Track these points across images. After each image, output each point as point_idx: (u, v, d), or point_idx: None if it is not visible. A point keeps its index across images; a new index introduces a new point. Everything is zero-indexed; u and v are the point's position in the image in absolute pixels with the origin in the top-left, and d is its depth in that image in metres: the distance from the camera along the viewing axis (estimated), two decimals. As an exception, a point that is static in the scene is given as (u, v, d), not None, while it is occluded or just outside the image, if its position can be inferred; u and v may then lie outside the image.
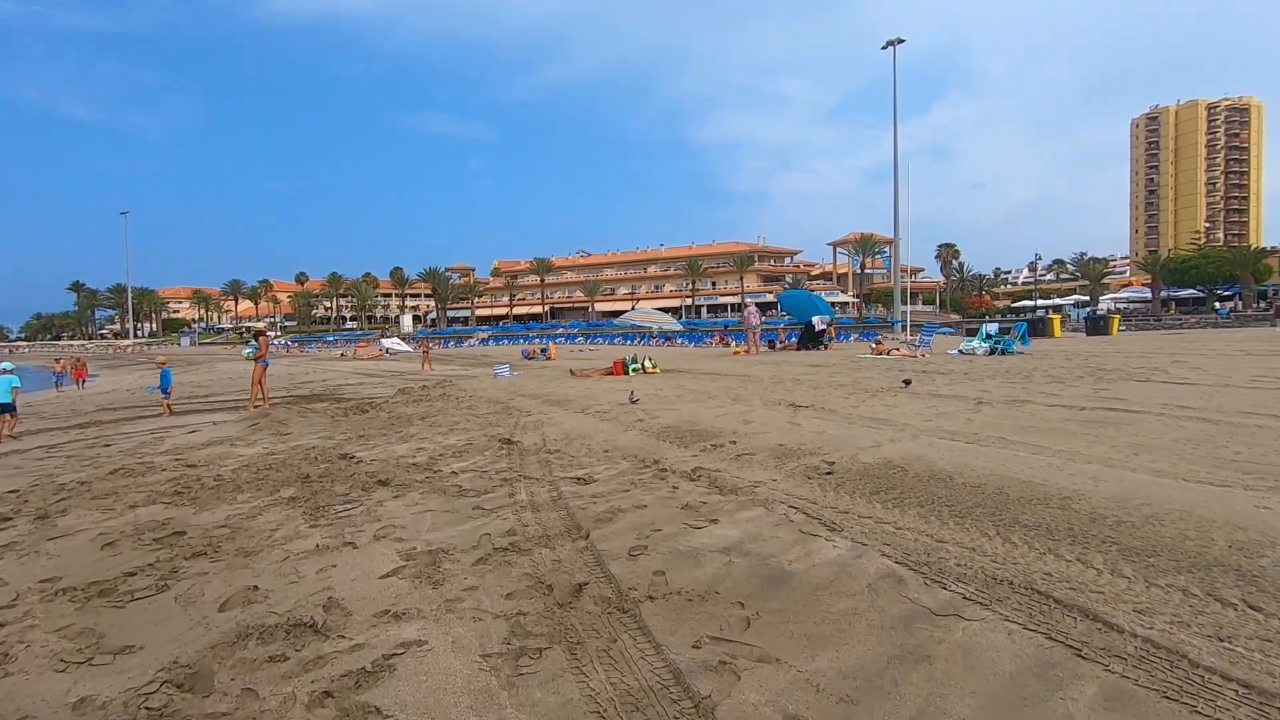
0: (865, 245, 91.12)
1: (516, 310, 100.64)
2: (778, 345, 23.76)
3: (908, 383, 9.38)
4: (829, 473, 4.82)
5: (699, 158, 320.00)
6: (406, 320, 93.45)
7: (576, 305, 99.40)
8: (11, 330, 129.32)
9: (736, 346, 25.04)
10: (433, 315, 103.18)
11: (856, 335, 24.82)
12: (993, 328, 17.13)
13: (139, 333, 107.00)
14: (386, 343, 52.43)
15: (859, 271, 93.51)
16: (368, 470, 5.66)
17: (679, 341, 52.85)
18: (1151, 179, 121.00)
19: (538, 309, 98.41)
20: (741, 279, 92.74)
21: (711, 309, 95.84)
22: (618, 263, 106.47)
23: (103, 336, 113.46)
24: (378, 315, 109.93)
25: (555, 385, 12.81)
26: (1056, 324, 26.31)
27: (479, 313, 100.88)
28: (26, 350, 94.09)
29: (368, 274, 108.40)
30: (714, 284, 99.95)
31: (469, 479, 5.19)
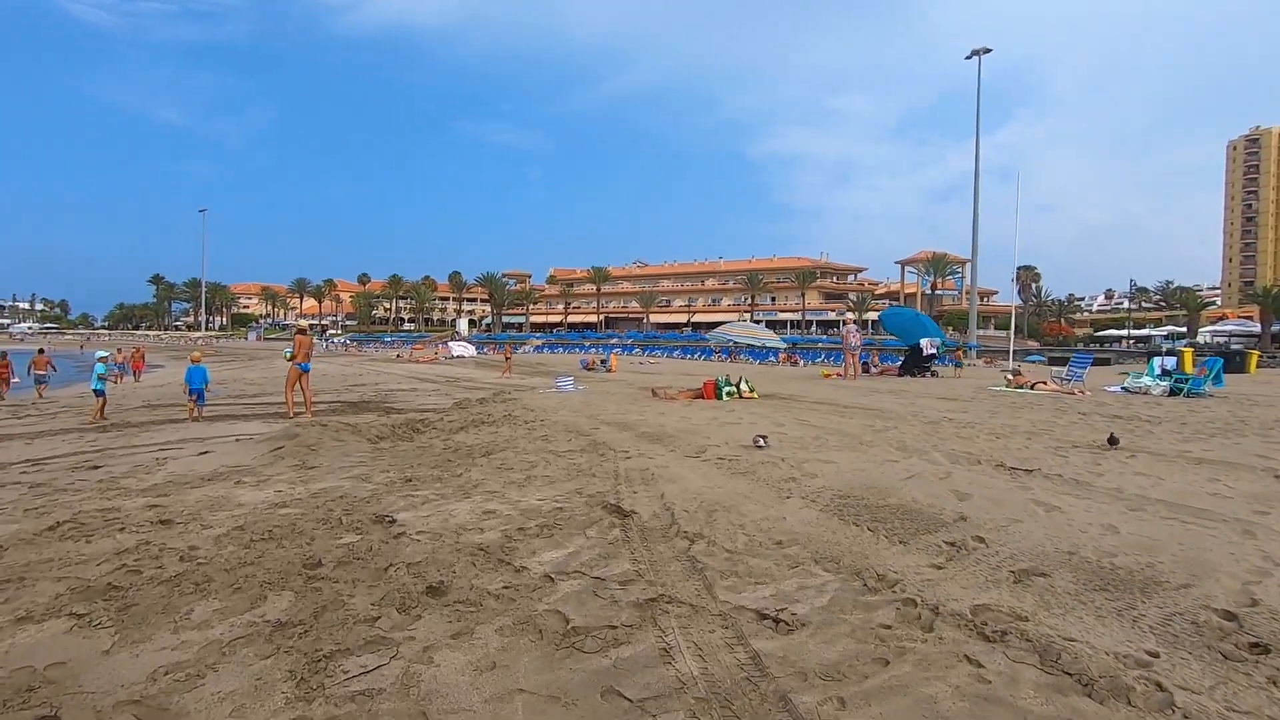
0: (938, 265, 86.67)
1: (571, 318, 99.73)
2: (875, 368, 21.11)
3: (1114, 441, 6.87)
4: (1263, 649, 2.50)
5: (755, 172, 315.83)
6: (463, 324, 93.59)
7: (632, 316, 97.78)
8: (96, 319, 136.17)
9: (827, 369, 22.48)
10: (488, 320, 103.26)
11: (958, 359, 21.81)
12: (1169, 362, 14.19)
13: (210, 326, 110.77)
14: (454, 346, 51.49)
15: (929, 292, 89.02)
16: (410, 557, 3.59)
17: (742, 358, 50.26)
18: (1249, 204, 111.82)
19: (593, 318, 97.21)
20: (803, 295, 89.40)
21: (770, 325, 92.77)
22: (674, 274, 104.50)
23: (177, 328, 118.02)
24: (434, 318, 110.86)
25: (638, 408, 10.68)
26: (1254, 361, 22.70)
27: (534, 319, 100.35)
28: (107, 338, 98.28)
29: (426, 277, 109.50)
30: (773, 299, 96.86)
31: (576, 597, 3.05)
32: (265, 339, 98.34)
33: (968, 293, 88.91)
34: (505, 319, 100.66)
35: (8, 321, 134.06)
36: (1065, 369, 15.06)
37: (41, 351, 25.45)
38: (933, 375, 19.17)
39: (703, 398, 12.07)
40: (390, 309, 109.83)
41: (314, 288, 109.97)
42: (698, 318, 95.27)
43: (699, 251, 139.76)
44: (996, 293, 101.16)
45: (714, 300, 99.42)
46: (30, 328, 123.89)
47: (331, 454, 6.70)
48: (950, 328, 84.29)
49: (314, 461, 6.35)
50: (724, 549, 3.74)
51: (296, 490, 5.22)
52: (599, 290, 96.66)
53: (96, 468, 6.51)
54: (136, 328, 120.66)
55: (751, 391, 12.31)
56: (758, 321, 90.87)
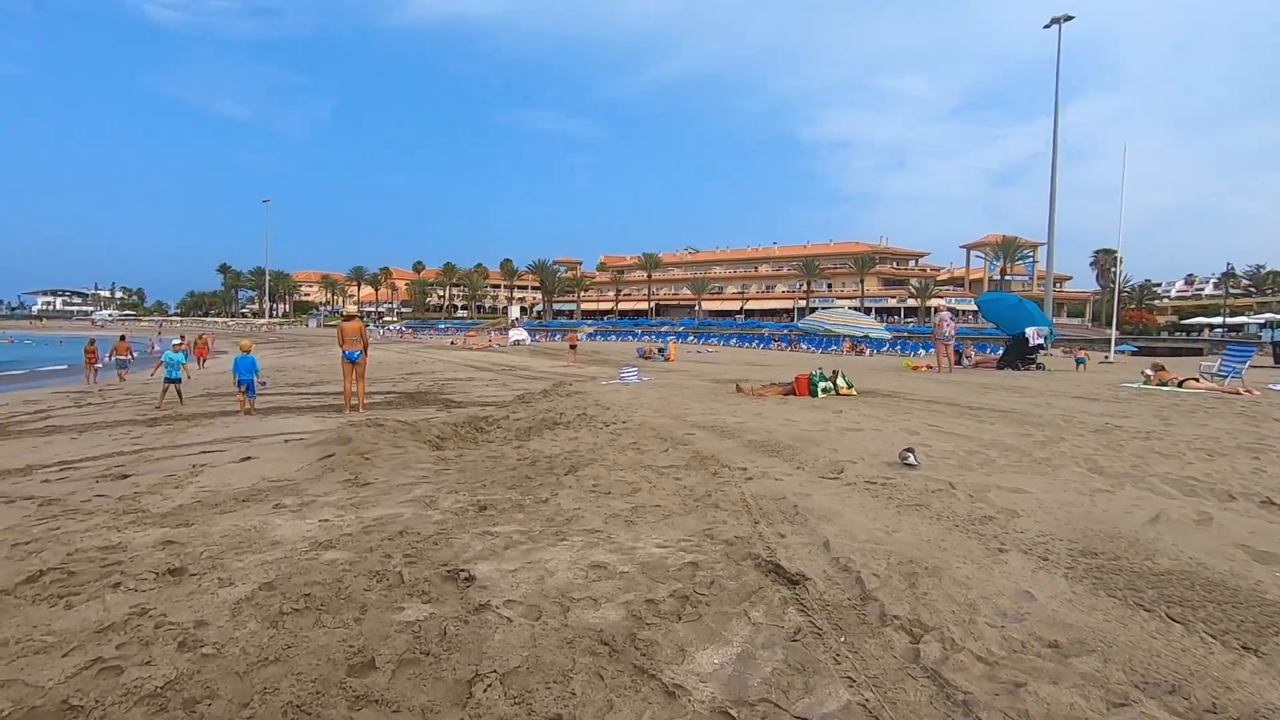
0: (1008, 249, 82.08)
1: (622, 306, 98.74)
2: (968, 360, 19.18)
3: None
4: None
5: (807, 156, 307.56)
6: (514, 311, 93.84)
7: (683, 303, 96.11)
8: (170, 306, 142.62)
9: (913, 360, 20.65)
10: (539, 308, 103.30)
11: (1082, 356, 19.49)
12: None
13: (274, 313, 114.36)
14: (513, 333, 51.20)
15: (997, 278, 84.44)
16: (502, 656, 2.40)
17: (803, 347, 48.17)
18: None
19: (643, 305, 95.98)
20: (861, 281, 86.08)
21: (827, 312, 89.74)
22: (727, 260, 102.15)
23: (243, 315, 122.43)
24: (486, 305, 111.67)
25: (727, 407, 9.36)
26: None
27: (584, 306, 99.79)
28: (179, 324, 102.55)
29: (479, 265, 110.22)
30: (830, 285, 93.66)
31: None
32: (325, 325, 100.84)
33: (1039, 278, 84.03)
34: (556, 306, 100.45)
35: (90, 309, 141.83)
36: (1217, 363, 13.00)
37: (123, 338, 26.24)
38: (1038, 368, 17.18)
39: (794, 394, 10.67)
40: (444, 296, 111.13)
41: (371, 276, 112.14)
42: (751, 305, 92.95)
43: (751, 238, 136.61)
44: (1071, 278, 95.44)
45: (768, 287, 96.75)
46: (110, 315, 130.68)
47: (389, 465, 5.63)
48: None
49: (368, 475, 5.28)
50: (973, 654, 2.42)
51: (346, 519, 4.13)
52: (650, 277, 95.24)
53: (125, 476, 5.61)
54: (206, 315, 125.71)
55: (850, 388, 10.83)
56: (812, 309, 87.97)
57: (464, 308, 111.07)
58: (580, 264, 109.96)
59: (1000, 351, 18.43)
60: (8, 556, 3.51)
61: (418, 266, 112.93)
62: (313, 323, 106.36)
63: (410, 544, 3.64)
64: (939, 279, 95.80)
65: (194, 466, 5.97)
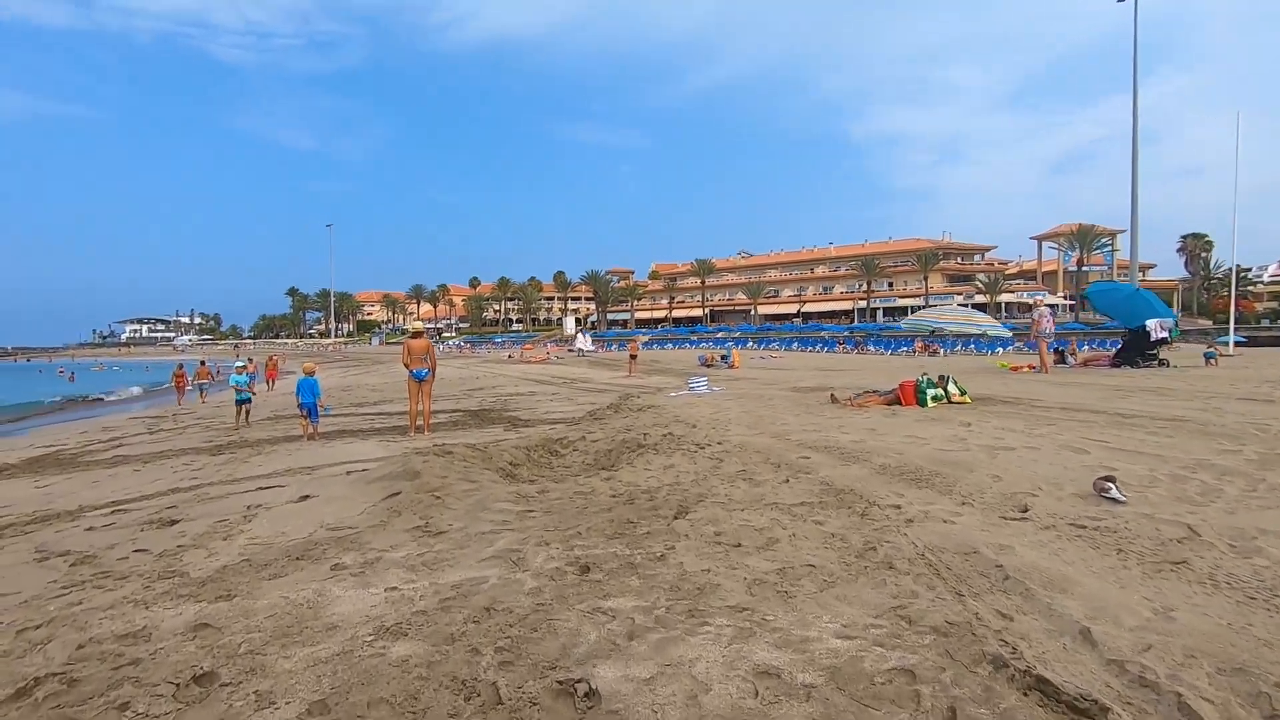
0: (1084, 238, 77.31)
1: (676, 313, 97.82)
2: (1074, 359, 17.34)
3: None
4: None
5: (858, 154, 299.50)
6: (569, 323, 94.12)
7: (738, 308, 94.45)
8: (244, 330, 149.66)
9: (1005, 359, 18.90)
10: (593, 318, 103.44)
11: (1212, 350, 17.29)
12: None
13: (339, 332, 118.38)
14: (579, 342, 51.17)
15: (1073, 269, 79.65)
16: None
17: (870, 349, 46.04)
18: None
19: (697, 312, 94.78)
20: (925, 278, 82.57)
21: (889, 312, 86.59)
22: (781, 263, 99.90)
23: (310, 335, 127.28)
24: (541, 318, 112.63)
25: (831, 421, 8.25)
26: None
27: (638, 315, 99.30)
28: (252, 346, 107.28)
29: (532, 278, 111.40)
30: (890, 284, 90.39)
31: None
32: (387, 343, 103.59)
33: (1120, 267, 78.73)
34: (610, 316, 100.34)
35: (172, 335, 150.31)
36: None
37: (204, 363, 27.35)
38: (1162, 364, 15.28)
39: (899, 404, 9.45)
40: (499, 310, 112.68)
41: (429, 293, 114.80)
42: (809, 307, 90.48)
43: (805, 239, 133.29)
44: (1155, 266, 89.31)
45: (825, 288, 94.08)
46: (190, 340, 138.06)
47: (463, 506, 4.79)
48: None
49: (440, 520, 4.45)
50: None
51: (418, 587, 3.28)
52: (703, 283, 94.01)
53: (173, 523, 4.97)
54: (276, 336, 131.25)
55: (963, 395, 9.52)
56: (874, 310, 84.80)
57: (519, 321, 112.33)
58: (632, 273, 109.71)
59: (1114, 347, 16.52)
60: (7, 652, 2.79)
61: (474, 282, 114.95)
62: (375, 341, 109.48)
63: (502, 629, 2.75)
64: (1008, 273, 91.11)
65: (248, 508, 5.29)
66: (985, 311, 79.30)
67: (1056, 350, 17.25)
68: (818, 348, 49.80)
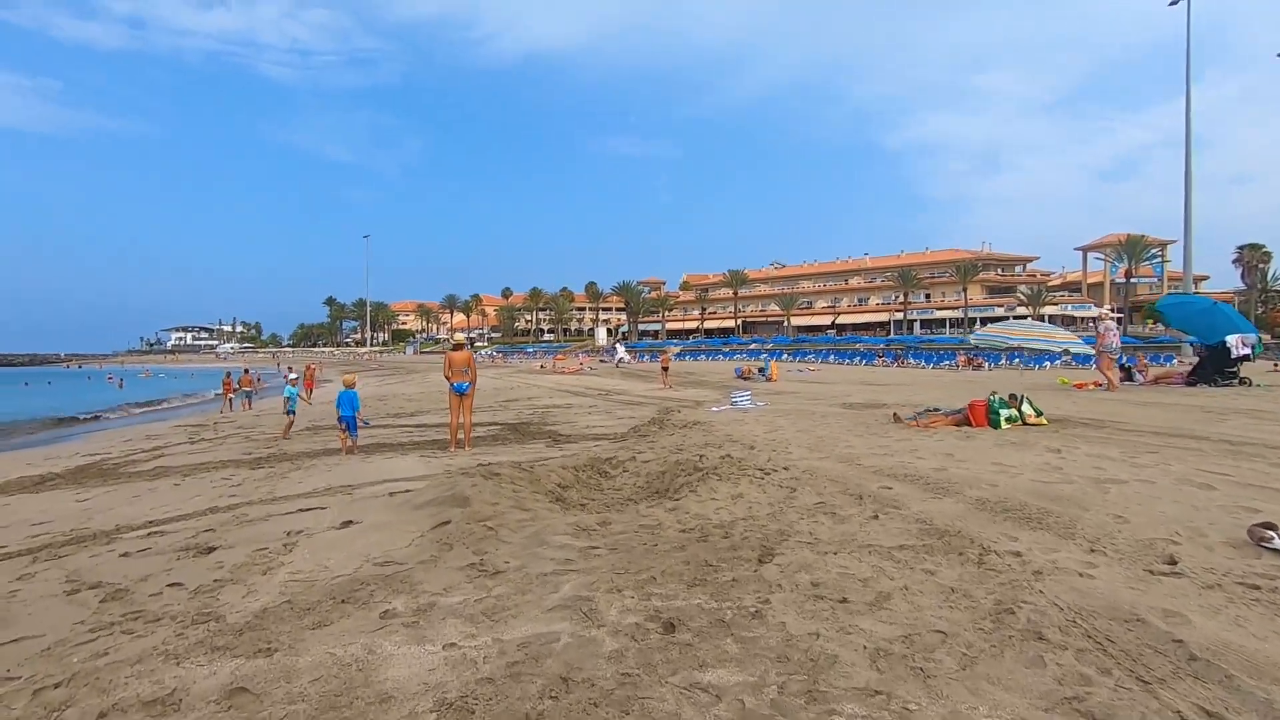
0: (1133, 248, 74.63)
1: (708, 324, 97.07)
2: (1142, 376, 16.34)
3: None
4: None
5: (894, 164, 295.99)
6: (601, 333, 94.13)
7: (771, 319, 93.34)
8: (283, 338, 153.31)
9: (1067, 376, 17.94)
10: (624, 329, 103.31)
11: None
12: None
13: (374, 341, 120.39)
14: (619, 354, 50.92)
15: (1121, 281, 76.99)
16: None
17: (911, 362, 44.81)
18: None
19: (730, 323, 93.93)
20: (964, 290, 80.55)
21: (926, 324, 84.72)
22: (815, 274, 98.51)
23: (347, 344, 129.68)
24: (572, 328, 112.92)
25: (896, 443, 7.67)
26: None
27: (669, 326, 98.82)
28: (291, 355, 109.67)
29: (564, 289, 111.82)
30: (928, 296, 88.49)
31: None
32: (421, 352, 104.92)
33: (1171, 279, 75.74)
34: (641, 327, 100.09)
35: (215, 343, 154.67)
36: None
37: (247, 371, 27.98)
38: (1242, 383, 14.25)
39: (969, 424, 8.80)
40: (531, 321, 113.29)
41: (462, 303, 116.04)
42: (843, 319, 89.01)
43: (839, 250, 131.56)
44: (1208, 278, 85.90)
45: (860, 300, 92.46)
46: (232, 348, 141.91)
47: (519, 539, 4.37)
48: (1152, 320, 71.94)
49: (496, 557, 4.03)
50: None
51: (480, 645, 2.85)
52: (735, 294, 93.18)
53: (210, 550, 4.64)
54: (314, 345, 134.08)
55: (1039, 416, 8.83)
56: (911, 322, 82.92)
57: (551, 331, 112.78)
58: (664, 284, 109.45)
59: (1168, 362, 15.47)
60: (26, 708, 2.44)
61: (506, 292, 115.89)
62: (410, 350, 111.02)
63: (585, 710, 2.30)
64: (1050, 284, 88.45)
65: (288, 534, 4.95)
66: (1117, 323, 77.06)
67: (1123, 367, 16.27)
68: (855, 360, 48.73)
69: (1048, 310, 76.12)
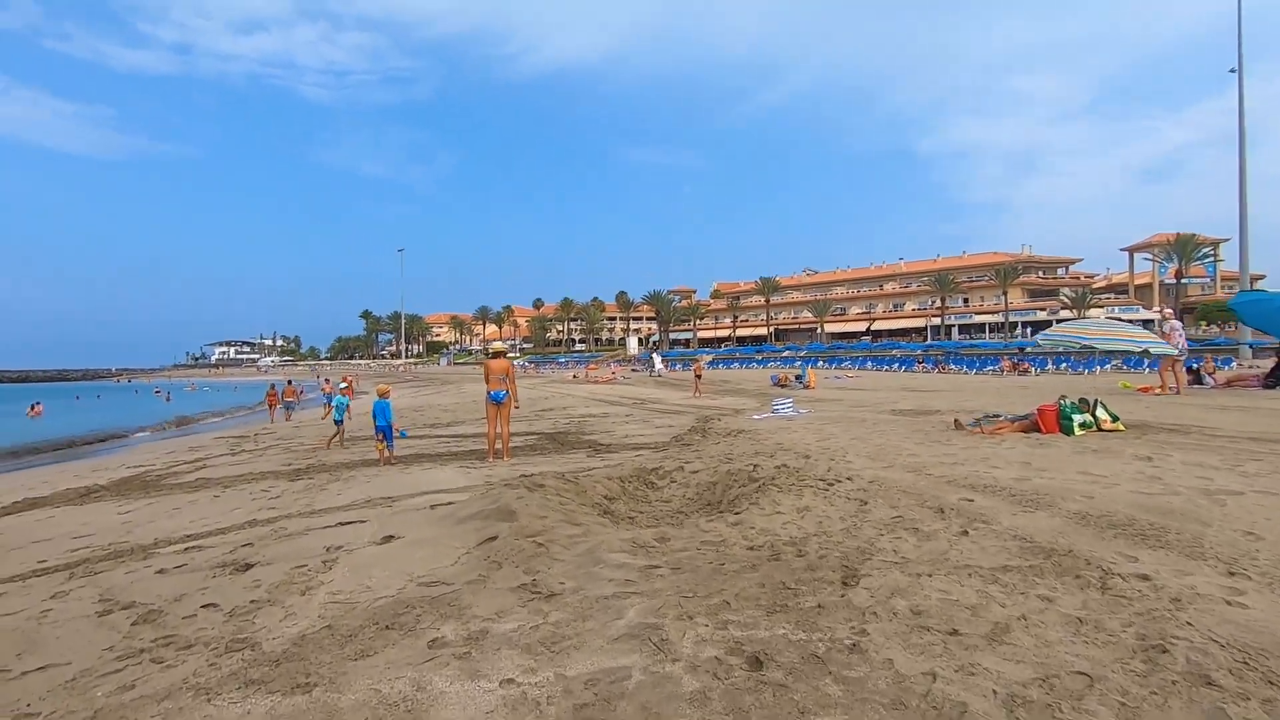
0: (1184, 248, 71.77)
1: (739, 332, 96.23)
2: (1212, 379, 15.37)
3: None
4: None
5: (926, 169, 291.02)
6: (632, 343, 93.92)
7: (803, 326, 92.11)
8: (321, 351, 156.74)
9: (1127, 379, 17.03)
10: (655, 338, 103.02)
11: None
12: None
13: (409, 353, 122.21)
14: (656, 364, 50.33)
15: (1170, 281, 74.06)
16: None
17: (952, 368, 43.53)
18: None
19: (762, 330, 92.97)
20: (1005, 293, 78.32)
21: (964, 329, 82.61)
22: (848, 280, 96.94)
23: (382, 356, 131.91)
24: (603, 338, 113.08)
25: (962, 451, 7.15)
26: None
27: (701, 335, 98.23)
28: (329, 367, 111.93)
29: (595, 299, 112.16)
30: (966, 300, 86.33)
31: None
32: (455, 363, 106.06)
33: (1224, 279, 72.51)
34: (672, 335, 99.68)
35: (257, 356, 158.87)
36: None
37: (290, 383, 28.63)
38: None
39: (1038, 430, 8.21)
40: (563, 331, 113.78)
41: (494, 314, 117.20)
42: (878, 325, 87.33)
43: (872, 256, 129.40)
44: (1264, 276, 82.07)
45: (895, 306, 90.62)
46: (273, 361, 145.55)
47: (571, 556, 4.03)
48: (1205, 322, 68.91)
49: (549, 577, 3.69)
50: None
51: (540, 682, 2.51)
52: (768, 301, 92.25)
53: (248, 567, 4.40)
54: (351, 357, 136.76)
55: (1115, 421, 8.20)
56: (949, 327, 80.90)
57: (582, 341, 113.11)
58: (695, 292, 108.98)
59: (1228, 365, 14.47)
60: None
61: (537, 303, 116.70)
62: (443, 361, 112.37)
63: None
64: (1095, 286, 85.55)
65: (327, 550, 4.69)
66: (1183, 324, 74.50)
67: (1190, 369, 15.33)
68: (894, 366, 47.55)
69: (1093, 313, 73.55)
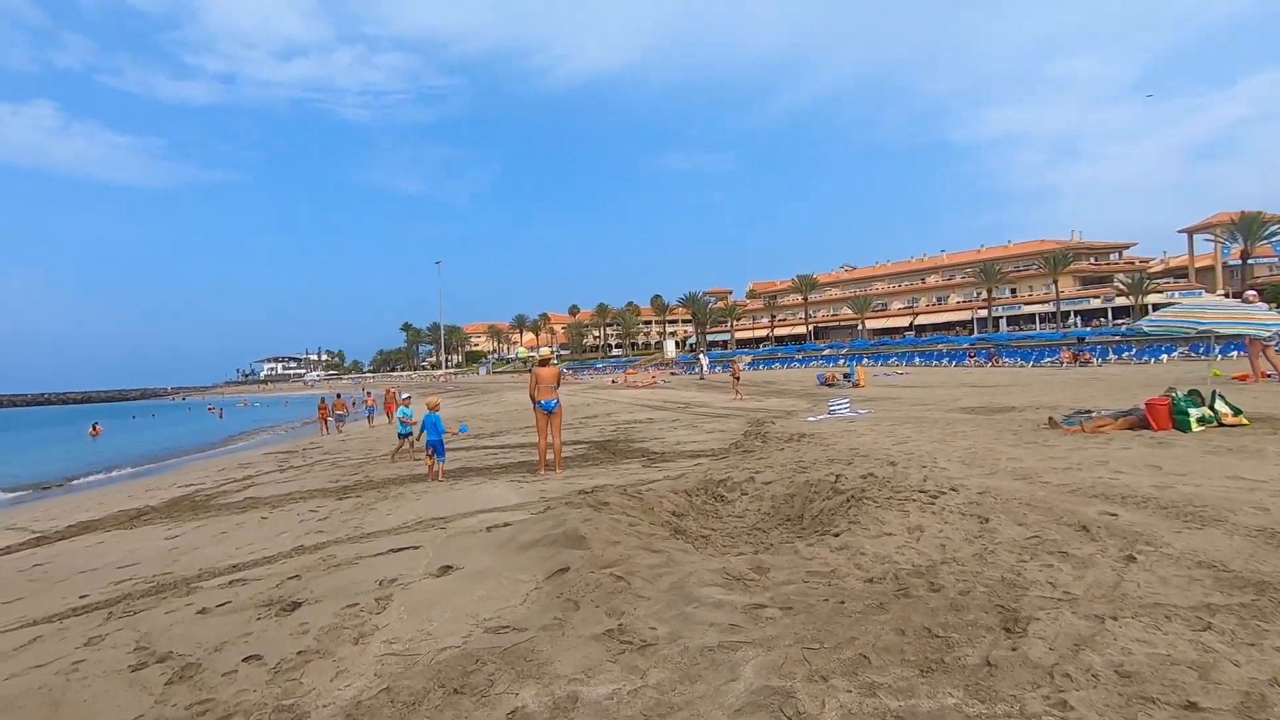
0: (1248, 227, 67.95)
1: (777, 331, 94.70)
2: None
3: None
4: None
5: (961, 158, 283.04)
6: (669, 346, 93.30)
7: (843, 323, 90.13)
8: (364, 364, 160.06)
9: (1218, 367, 15.76)
10: (692, 340, 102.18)
11: None
12: None
13: (449, 364, 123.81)
14: (706, 365, 49.47)
15: (1237, 262, 70.17)
16: None
17: (1005, 361, 41.75)
18: None
19: (800, 329, 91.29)
20: (1055, 282, 75.29)
21: (1013, 320, 79.72)
22: (888, 275, 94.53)
23: (423, 367, 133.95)
24: (639, 342, 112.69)
25: (1071, 453, 6.36)
26: None
27: (738, 335, 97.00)
28: (371, 380, 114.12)
29: (630, 303, 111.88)
30: (1013, 291, 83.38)
31: None
32: (494, 373, 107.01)
33: (1300, 257, 68.28)
34: (709, 337, 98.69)
35: (303, 371, 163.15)
36: None
37: (339, 396, 29.15)
38: None
39: (1147, 427, 7.35)
40: (599, 336, 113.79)
41: (531, 322, 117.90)
42: (921, 319, 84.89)
43: (912, 249, 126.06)
44: (1340, 254, 77.22)
45: (938, 299, 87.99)
46: (318, 375, 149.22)
47: (658, 593, 3.47)
48: (1275, 304, 65.06)
49: (637, 620, 3.14)
50: None
51: (660, 779, 1.95)
52: (805, 299, 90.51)
53: (295, 606, 3.96)
54: (393, 370, 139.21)
55: (1237, 415, 7.28)
56: (996, 319, 78.20)
57: (618, 346, 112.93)
58: (730, 293, 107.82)
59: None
60: None
61: (573, 310, 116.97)
62: (482, 370, 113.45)
63: None
64: (1152, 271, 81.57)
65: (380, 584, 4.23)
66: (1129, 315, 71.12)
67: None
68: (943, 361, 45.88)
69: (1151, 299, 70.13)
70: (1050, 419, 8.47)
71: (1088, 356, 35.11)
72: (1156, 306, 70.99)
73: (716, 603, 3.27)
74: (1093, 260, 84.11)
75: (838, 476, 6.13)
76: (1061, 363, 35.53)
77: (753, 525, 5.94)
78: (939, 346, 57.09)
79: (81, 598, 5.05)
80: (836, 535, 4.26)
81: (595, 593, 3.53)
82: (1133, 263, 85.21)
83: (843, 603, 3.17)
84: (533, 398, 9.36)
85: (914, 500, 4.92)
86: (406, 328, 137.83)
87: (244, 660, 3.21)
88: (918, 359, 49.06)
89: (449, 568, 4.43)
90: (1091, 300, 77.55)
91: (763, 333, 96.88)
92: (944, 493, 5.11)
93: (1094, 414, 8.34)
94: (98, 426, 37.87)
